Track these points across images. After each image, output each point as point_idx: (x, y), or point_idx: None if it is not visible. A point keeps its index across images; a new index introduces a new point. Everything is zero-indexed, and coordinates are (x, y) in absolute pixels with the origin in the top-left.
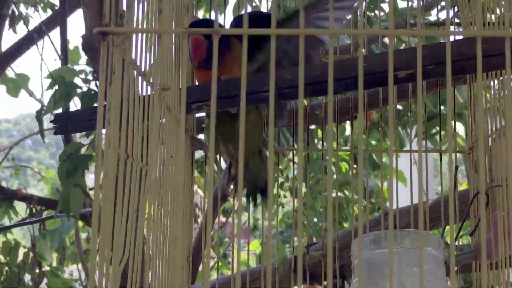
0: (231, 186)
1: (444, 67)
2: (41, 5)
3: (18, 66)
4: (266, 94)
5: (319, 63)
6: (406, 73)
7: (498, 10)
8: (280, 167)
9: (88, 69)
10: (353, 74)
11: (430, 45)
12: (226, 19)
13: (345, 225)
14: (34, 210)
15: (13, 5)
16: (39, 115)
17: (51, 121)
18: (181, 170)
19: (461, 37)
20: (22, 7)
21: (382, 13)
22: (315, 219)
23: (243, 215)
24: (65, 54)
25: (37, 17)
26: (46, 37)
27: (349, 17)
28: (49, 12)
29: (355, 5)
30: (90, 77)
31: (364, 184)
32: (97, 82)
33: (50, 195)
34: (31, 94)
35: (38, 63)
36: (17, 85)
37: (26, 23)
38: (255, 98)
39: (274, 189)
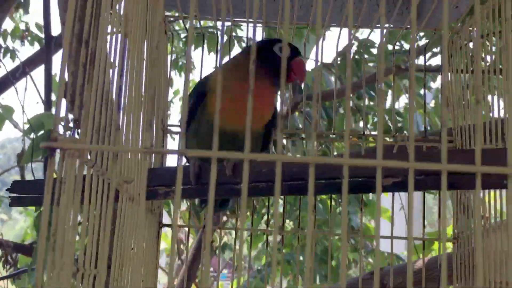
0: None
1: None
2: (29, 38)
3: (3, 98)
4: (238, 187)
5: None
6: (392, 181)
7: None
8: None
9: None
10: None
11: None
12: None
13: (333, 263)
14: (9, 258)
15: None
16: (19, 160)
17: (7, 189)
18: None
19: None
20: (9, 40)
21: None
22: (301, 258)
23: (229, 251)
24: (48, 98)
25: (24, 50)
26: (31, 76)
27: None
28: (37, 46)
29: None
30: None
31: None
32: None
33: (31, 227)
34: (15, 126)
35: (25, 94)
36: (2, 117)
37: (13, 57)
38: (228, 188)
39: (261, 225)
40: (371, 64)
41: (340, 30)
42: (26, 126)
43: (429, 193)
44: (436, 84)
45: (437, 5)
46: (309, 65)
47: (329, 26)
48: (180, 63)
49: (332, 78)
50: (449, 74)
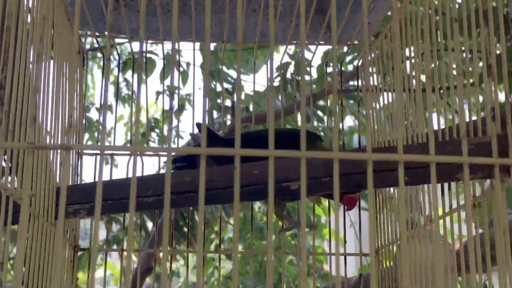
0: None
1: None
2: None
3: None
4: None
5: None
6: (298, 184)
7: None
8: (216, 228)
9: None
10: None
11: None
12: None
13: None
14: None
15: None
16: None
17: None
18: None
19: None
20: None
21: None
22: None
23: (180, 278)
24: None
25: None
26: None
27: None
28: None
29: None
30: None
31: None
32: None
33: None
34: None
35: None
36: None
37: None
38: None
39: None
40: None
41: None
42: None
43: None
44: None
45: (351, 19)
46: (249, 87)
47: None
48: (124, 94)
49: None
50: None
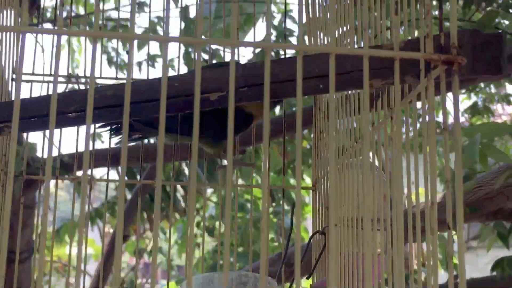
0: None
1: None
2: None
3: None
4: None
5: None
6: (217, 95)
7: None
8: (198, 205)
9: None
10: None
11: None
12: None
13: None
14: None
15: None
16: None
17: None
18: None
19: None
20: None
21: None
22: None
23: (160, 256)
24: None
25: None
26: None
27: None
28: None
29: None
30: None
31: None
32: None
33: None
34: None
35: None
36: None
37: None
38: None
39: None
40: None
41: None
42: None
43: None
44: None
45: None
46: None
47: None
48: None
49: None
50: None
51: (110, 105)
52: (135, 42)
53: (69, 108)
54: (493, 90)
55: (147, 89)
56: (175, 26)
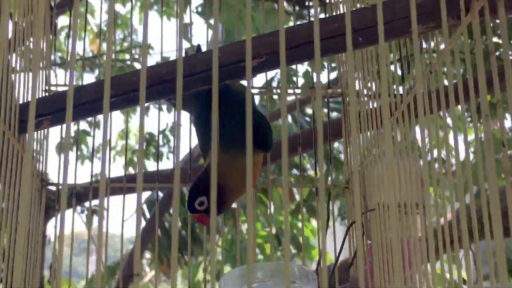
0: None
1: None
2: None
3: None
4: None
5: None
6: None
7: None
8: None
9: None
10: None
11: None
12: None
13: None
14: None
15: None
16: None
17: None
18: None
19: None
20: None
21: None
22: None
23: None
24: None
25: None
26: None
27: None
28: None
29: None
30: None
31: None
32: None
33: None
34: None
35: None
36: None
37: None
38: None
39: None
40: None
41: None
42: None
43: None
44: None
45: None
46: None
47: None
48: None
49: None
50: None
51: (163, 81)
52: None
53: (119, 91)
54: None
55: (197, 63)
56: None
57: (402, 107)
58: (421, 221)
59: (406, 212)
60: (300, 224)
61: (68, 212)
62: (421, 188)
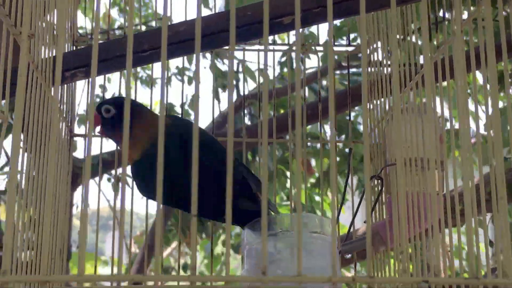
0: None
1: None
2: None
3: None
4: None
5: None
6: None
7: None
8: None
9: None
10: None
11: None
12: None
13: None
14: None
15: None
16: None
17: None
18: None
19: None
20: None
21: None
22: None
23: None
24: None
25: None
26: None
27: None
28: None
29: None
30: None
31: None
32: None
33: None
34: None
35: None
36: None
37: None
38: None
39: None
40: None
41: None
42: None
43: None
44: None
45: None
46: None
47: None
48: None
49: None
50: None
51: (182, 40)
52: None
53: (143, 47)
54: None
55: (218, 21)
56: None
57: (422, 71)
58: (438, 177)
59: (423, 167)
60: (318, 198)
61: (93, 185)
62: (441, 145)
